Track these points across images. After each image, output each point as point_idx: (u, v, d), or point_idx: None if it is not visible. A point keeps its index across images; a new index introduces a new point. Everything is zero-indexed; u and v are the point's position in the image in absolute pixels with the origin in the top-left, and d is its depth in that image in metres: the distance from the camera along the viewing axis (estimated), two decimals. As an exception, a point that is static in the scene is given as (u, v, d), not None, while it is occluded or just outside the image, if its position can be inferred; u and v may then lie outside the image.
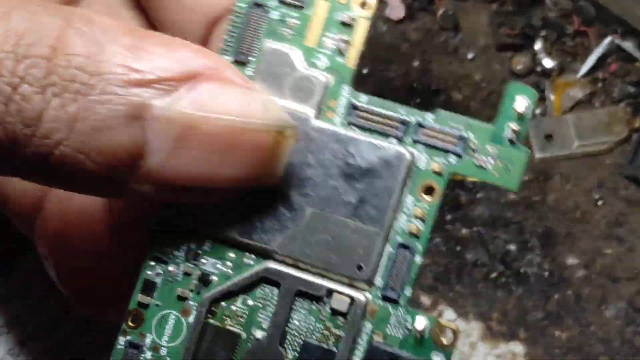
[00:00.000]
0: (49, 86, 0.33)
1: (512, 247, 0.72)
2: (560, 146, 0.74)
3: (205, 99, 0.35)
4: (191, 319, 0.38)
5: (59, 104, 0.33)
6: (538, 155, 0.74)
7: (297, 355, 0.37)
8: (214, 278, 0.38)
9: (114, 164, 0.34)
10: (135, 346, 0.38)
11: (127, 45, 0.34)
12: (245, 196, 0.37)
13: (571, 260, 0.70)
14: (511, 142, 0.37)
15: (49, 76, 0.33)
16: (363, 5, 0.38)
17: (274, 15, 0.38)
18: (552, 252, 0.72)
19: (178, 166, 0.35)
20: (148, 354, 0.38)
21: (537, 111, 0.75)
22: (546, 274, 0.71)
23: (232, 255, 0.38)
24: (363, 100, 0.38)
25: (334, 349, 0.37)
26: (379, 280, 0.37)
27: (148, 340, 0.38)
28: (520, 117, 0.37)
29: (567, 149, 0.74)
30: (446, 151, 0.37)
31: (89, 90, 0.33)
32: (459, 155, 0.37)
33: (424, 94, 0.75)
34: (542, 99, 0.75)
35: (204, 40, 0.43)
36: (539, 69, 0.76)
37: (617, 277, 0.70)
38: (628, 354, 0.68)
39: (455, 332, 0.37)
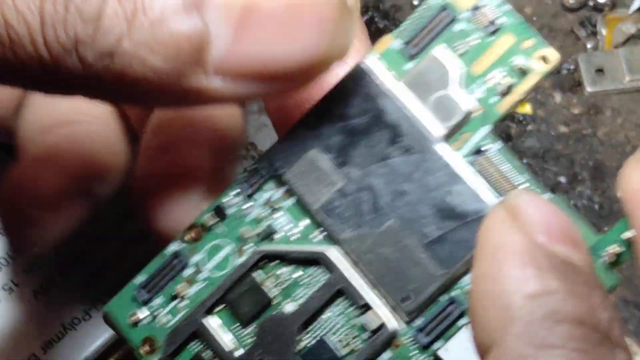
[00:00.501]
0: None
1: (562, 179, 0.72)
2: (611, 80, 0.74)
3: None
4: (239, 261, 0.38)
5: (117, 1, 0.32)
6: (589, 89, 0.73)
7: (309, 346, 0.37)
8: (277, 236, 0.38)
9: (178, 56, 0.33)
10: (180, 259, 0.38)
11: None
12: (346, 181, 0.37)
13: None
14: (608, 265, 0.34)
15: None
16: (544, 59, 0.36)
17: (457, 27, 0.37)
18: (602, 185, 0.72)
19: (244, 51, 0.33)
20: (188, 271, 0.38)
21: (589, 45, 0.75)
22: (596, 206, 0.71)
23: (304, 224, 0.37)
24: (493, 149, 0.36)
25: (345, 359, 0.36)
26: (419, 320, 0.36)
27: (194, 259, 0.38)
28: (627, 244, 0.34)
29: (618, 84, 0.74)
30: None
31: None
32: None
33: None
34: (593, 34, 0.74)
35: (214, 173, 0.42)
36: (591, 3, 0.76)
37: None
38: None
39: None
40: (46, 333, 0.49)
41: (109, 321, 0.39)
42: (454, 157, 0.36)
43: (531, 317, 0.30)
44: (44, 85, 0.34)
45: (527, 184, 0.36)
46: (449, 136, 0.36)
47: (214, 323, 0.38)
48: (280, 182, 0.38)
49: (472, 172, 0.36)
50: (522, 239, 0.32)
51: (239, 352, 0.37)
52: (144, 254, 0.39)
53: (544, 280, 0.31)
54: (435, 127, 0.36)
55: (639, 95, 0.74)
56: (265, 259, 0.38)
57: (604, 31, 0.75)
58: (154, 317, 0.38)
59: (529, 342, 0.30)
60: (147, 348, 0.38)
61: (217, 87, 0.34)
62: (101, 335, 0.48)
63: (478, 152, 0.36)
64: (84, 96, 0.35)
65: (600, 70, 0.74)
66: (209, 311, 0.38)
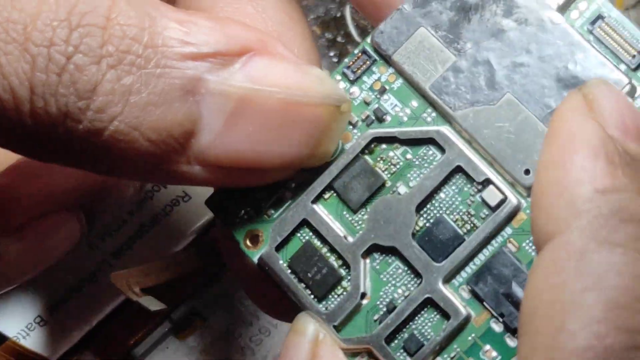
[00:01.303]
0: (104, 57, 0.31)
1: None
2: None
3: (260, 72, 0.33)
4: (348, 145, 0.37)
5: (115, 77, 0.31)
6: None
7: (427, 225, 0.36)
8: (388, 118, 0.37)
9: (167, 141, 0.32)
10: None
11: (178, 19, 0.32)
12: (458, 58, 0.36)
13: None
14: None
15: (104, 46, 0.31)
16: None
17: None
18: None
19: (230, 144, 0.33)
20: None
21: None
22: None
23: (415, 104, 0.36)
24: (613, 15, 0.35)
25: (465, 237, 0.35)
26: None
27: (300, 146, 0.37)
28: None
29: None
30: None
31: (145, 63, 0.31)
32: None
33: None
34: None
35: None
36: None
37: None
38: None
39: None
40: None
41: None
42: (573, 25, 0.35)
43: (598, 212, 0.29)
44: (27, 150, 0.33)
45: None
46: (566, 6, 0.35)
47: (323, 209, 0.37)
48: (388, 63, 0.37)
49: (592, 39, 0.35)
50: (596, 130, 0.31)
51: (351, 238, 0.36)
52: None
53: (615, 177, 0.30)
54: (551, -3, 0.35)
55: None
56: (375, 142, 0.37)
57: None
58: (258, 210, 0.37)
59: (592, 237, 0.29)
60: (252, 241, 0.37)
61: (197, 174, 0.33)
62: (110, 299, 0.46)
63: (596, 20, 0.35)
64: (65, 164, 0.33)
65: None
66: (317, 199, 0.37)
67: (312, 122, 0.34)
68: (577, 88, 0.32)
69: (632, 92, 0.34)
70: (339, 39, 0.54)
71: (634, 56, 0.35)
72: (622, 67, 0.35)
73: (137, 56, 0.31)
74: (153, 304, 0.43)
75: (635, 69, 0.35)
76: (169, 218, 0.47)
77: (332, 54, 0.54)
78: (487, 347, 0.35)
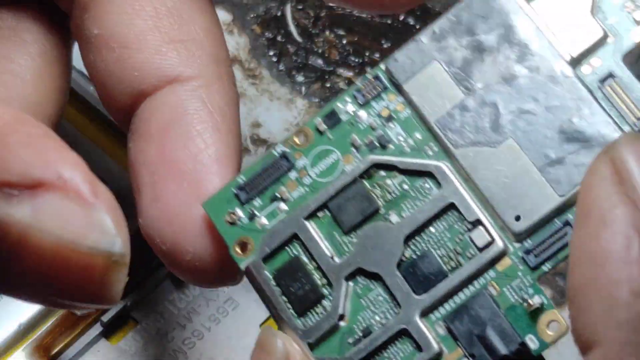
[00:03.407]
0: None
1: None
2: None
3: (44, 210, 0.32)
4: (348, 168, 0.37)
5: None
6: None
7: (413, 257, 0.36)
8: (391, 146, 0.37)
9: None
10: (287, 160, 0.38)
11: None
12: (467, 96, 0.36)
13: None
14: None
15: None
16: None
17: None
18: None
19: (9, 276, 0.32)
20: (293, 174, 0.38)
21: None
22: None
23: (419, 136, 0.37)
24: (625, 75, 0.35)
25: (448, 274, 0.36)
26: (528, 242, 0.35)
27: (301, 162, 0.38)
28: None
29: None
30: None
31: None
32: None
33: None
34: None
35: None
36: None
37: None
38: None
39: (563, 330, 0.34)
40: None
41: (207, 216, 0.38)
42: (584, 80, 0.36)
43: (637, 323, 0.28)
44: None
45: None
46: (579, 60, 0.36)
47: (314, 227, 0.37)
48: (399, 91, 0.37)
49: (600, 96, 0.35)
50: (630, 215, 0.29)
51: (338, 259, 0.37)
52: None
53: None
54: (565, 50, 0.36)
55: None
56: (374, 168, 0.37)
57: None
58: (252, 218, 0.38)
59: (632, 352, 0.28)
60: (241, 248, 0.38)
61: None
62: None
63: (607, 77, 0.35)
64: None
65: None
66: (311, 216, 0.37)
67: (84, 270, 0.33)
68: (605, 150, 0.31)
69: (631, 154, 0.35)
70: (279, 38, 0.54)
71: (638, 119, 0.35)
72: (626, 128, 0.35)
73: None
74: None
75: (639, 131, 0.35)
76: None
77: (271, 53, 0.54)
78: (455, 385, 0.35)
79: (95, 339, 0.48)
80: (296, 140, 0.38)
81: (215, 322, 0.49)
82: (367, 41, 0.54)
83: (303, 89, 0.54)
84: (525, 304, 0.35)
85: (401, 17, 0.54)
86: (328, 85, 0.54)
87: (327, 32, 0.54)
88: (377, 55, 0.54)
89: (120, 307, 0.48)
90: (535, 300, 0.35)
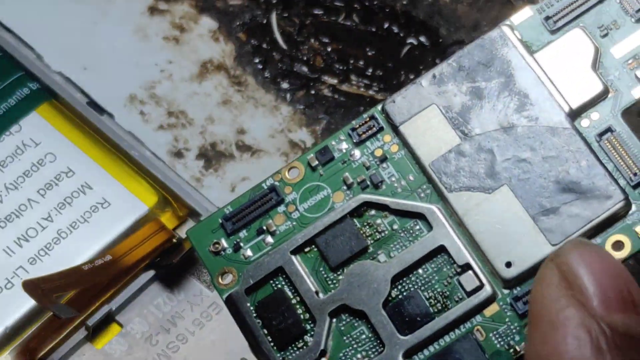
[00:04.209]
0: None
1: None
2: None
3: None
4: (338, 205, 0.37)
5: None
6: None
7: (400, 297, 0.36)
8: (383, 187, 0.37)
9: None
10: (277, 193, 0.37)
11: None
12: (462, 141, 0.36)
13: None
14: None
15: None
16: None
17: (604, 8, 0.37)
18: None
19: None
20: (281, 207, 0.37)
21: None
22: None
23: (412, 177, 0.37)
24: (623, 131, 0.36)
25: (435, 316, 0.35)
26: (518, 289, 0.35)
27: (290, 197, 0.37)
28: None
29: None
30: None
31: None
32: None
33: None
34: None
35: None
36: None
37: None
38: None
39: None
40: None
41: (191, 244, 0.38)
42: (582, 132, 0.36)
43: None
44: None
45: None
46: (579, 112, 0.36)
47: (300, 262, 0.36)
48: (395, 132, 0.37)
49: (598, 149, 0.36)
50: (578, 316, 0.30)
51: (322, 295, 0.36)
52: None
53: None
54: (565, 102, 0.36)
55: None
56: (365, 206, 0.37)
57: None
58: (237, 250, 0.37)
59: None
60: (224, 279, 0.37)
61: None
62: (23, 304, 0.46)
63: (606, 132, 0.36)
64: None
65: None
66: (297, 250, 0.37)
67: None
68: (551, 257, 0.32)
69: (626, 208, 0.35)
70: (264, 45, 0.55)
71: (635, 174, 0.35)
72: (622, 182, 0.35)
73: None
74: (65, 311, 0.43)
75: (634, 187, 0.35)
76: (87, 224, 0.47)
77: (257, 60, 0.55)
78: None
79: (80, 342, 0.47)
80: (287, 174, 0.38)
81: (199, 326, 0.48)
82: (351, 49, 0.55)
83: (288, 96, 0.54)
84: (511, 350, 0.35)
85: (385, 25, 0.54)
86: (313, 92, 0.54)
87: (312, 40, 0.54)
88: (361, 62, 0.54)
89: (105, 311, 0.47)
90: (522, 347, 0.34)
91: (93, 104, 0.50)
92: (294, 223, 0.37)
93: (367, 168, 0.37)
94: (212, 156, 0.53)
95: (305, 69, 0.55)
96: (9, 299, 0.46)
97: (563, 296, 0.31)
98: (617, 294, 0.31)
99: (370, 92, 0.55)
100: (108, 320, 0.48)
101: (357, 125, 0.37)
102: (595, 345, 0.30)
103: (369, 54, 0.55)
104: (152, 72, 0.54)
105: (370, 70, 0.55)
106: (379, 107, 0.37)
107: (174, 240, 0.48)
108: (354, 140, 0.37)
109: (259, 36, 0.55)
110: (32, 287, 0.41)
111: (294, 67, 0.55)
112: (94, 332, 0.47)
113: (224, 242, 0.37)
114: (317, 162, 0.37)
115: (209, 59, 0.54)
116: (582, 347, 0.30)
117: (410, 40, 0.55)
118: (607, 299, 0.30)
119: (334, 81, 0.55)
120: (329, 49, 0.55)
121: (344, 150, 0.37)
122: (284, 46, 0.55)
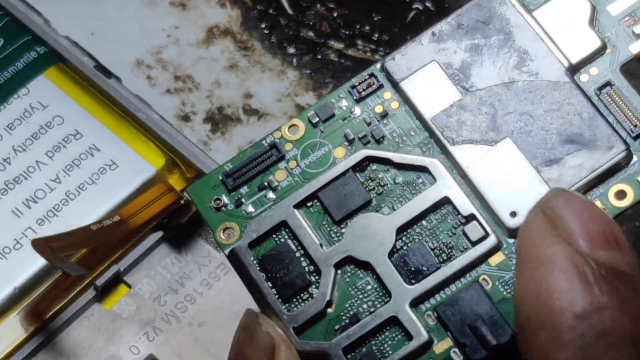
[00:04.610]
0: None
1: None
2: None
3: None
4: (340, 160, 0.37)
5: None
6: None
7: (405, 248, 0.36)
8: (385, 142, 0.37)
9: None
10: (277, 150, 0.37)
11: None
12: (464, 96, 0.36)
13: None
14: None
15: None
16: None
17: None
18: None
19: None
20: (283, 164, 0.37)
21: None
22: None
23: (413, 133, 0.37)
24: (621, 84, 0.36)
25: (439, 265, 0.35)
26: None
27: (291, 153, 0.37)
28: None
29: None
30: None
31: None
32: None
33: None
34: None
35: None
36: None
37: None
38: None
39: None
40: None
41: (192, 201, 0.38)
42: (582, 86, 0.36)
43: (582, 342, 0.30)
44: None
45: None
46: (577, 68, 0.36)
47: (304, 216, 0.37)
48: (395, 89, 0.37)
49: (597, 102, 0.36)
50: (565, 251, 0.31)
51: (326, 247, 0.36)
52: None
53: (592, 296, 0.30)
54: (564, 58, 0.36)
55: None
56: (367, 161, 0.37)
57: None
58: (238, 205, 0.37)
59: None
60: (226, 234, 0.37)
61: None
62: (32, 265, 0.47)
63: (605, 86, 0.36)
64: None
65: None
66: (300, 204, 0.37)
67: None
68: (537, 205, 0.33)
69: (627, 159, 0.35)
70: (270, 10, 0.55)
71: (635, 125, 0.36)
72: (622, 133, 0.36)
73: None
74: (74, 269, 0.43)
75: (635, 138, 0.36)
76: (95, 186, 0.48)
77: (263, 25, 0.55)
78: (443, 375, 0.35)
79: (89, 302, 0.48)
80: (287, 132, 0.38)
81: (207, 286, 0.48)
82: (357, 14, 0.55)
83: (294, 60, 0.54)
84: None
85: (392, -10, 0.55)
86: (319, 57, 0.54)
87: (318, 5, 0.55)
88: (367, 27, 0.55)
89: (113, 271, 0.47)
90: None
91: (100, 67, 0.50)
92: (296, 179, 0.37)
93: (368, 124, 0.37)
94: (219, 120, 0.53)
95: (311, 33, 0.55)
96: (18, 259, 0.47)
97: (549, 236, 0.32)
98: (601, 233, 0.32)
99: (377, 57, 0.55)
100: (116, 280, 0.48)
101: (357, 83, 0.38)
102: (583, 278, 0.30)
103: (375, 19, 0.55)
104: (159, 37, 0.55)
105: (377, 35, 0.55)
106: (378, 65, 0.38)
107: (182, 202, 0.48)
108: (354, 98, 0.38)
109: (265, 1, 0.56)
110: (41, 245, 0.42)
111: (300, 32, 0.55)
112: (103, 293, 0.48)
113: (225, 198, 0.37)
114: (317, 119, 0.38)
115: (216, 24, 0.55)
116: (570, 280, 0.30)
117: (417, 5, 0.56)
118: (591, 237, 0.31)
119: (340, 46, 0.55)
120: (335, 14, 0.56)
121: (344, 108, 0.38)
122: (290, 11, 0.55)
